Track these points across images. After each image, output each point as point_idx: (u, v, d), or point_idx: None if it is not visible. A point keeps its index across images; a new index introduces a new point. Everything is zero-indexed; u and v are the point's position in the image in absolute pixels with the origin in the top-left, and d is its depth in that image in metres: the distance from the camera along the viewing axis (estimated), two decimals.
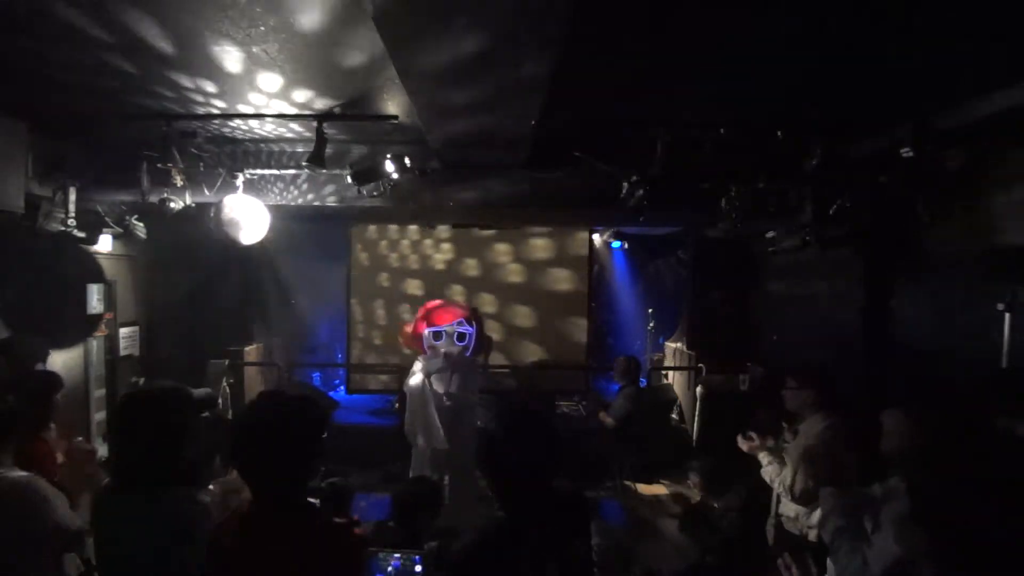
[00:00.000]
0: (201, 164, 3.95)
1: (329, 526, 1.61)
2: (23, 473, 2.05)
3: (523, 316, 7.04)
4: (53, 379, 2.82)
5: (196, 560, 1.59)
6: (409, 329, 4.45)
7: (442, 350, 4.13)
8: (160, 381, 1.83)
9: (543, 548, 1.61)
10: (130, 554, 1.71)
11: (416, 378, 4.15)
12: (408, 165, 3.78)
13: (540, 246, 7.03)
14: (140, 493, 1.70)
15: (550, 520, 1.65)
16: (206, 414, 1.94)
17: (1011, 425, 2.14)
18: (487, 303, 6.91)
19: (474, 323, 4.32)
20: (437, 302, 4.47)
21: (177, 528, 1.69)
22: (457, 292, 6.96)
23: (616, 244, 7.78)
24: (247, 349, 6.09)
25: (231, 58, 2.64)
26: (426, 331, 4.22)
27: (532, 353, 7.01)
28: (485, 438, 1.68)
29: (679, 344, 6.76)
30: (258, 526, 1.53)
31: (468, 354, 4.28)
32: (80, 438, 2.92)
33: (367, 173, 3.81)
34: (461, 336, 4.24)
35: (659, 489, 5.49)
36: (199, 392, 1.91)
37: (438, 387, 4.06)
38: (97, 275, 4.87)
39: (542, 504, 1.64)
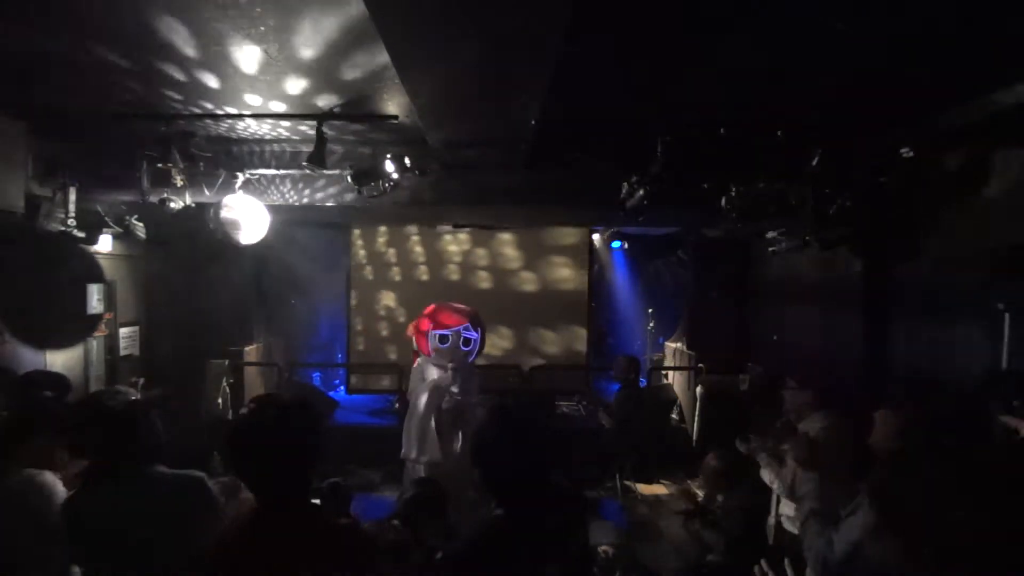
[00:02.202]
0: (201, 164, 3.94)
1: (335, 527, 1.60)
2: (45, 472, 2.11)
3: (523, 316, 7.04)
4: (62, 382, 2.85)
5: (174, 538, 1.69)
6: (414, 327, 4.40)
7: (448, 363, 4.05)
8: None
9: (543, 546, 1.60)
10: (110, 537, 1.79)
11: (424, 390, 4.12)
12: (408, 165, 3.78)
13: (539, 246, 7.03)
14: (111, 478, 1.81)
15: (549, 517, 1.64)
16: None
17: (1011, 425, 2.15)
18: (487, 303, 6.89)
19: (479, 328, 4.25)
20: (442, 304, 4.36)
21: (147, 504, 1.79)
22: (457, 292, 6.95)
23: (616, 244, 7.77)
24: (247, 349, 6.09)
25: (231, 58, 2.65)
26: (432, 332, 4.18)
27: (532, 353, 7.01)
28: (477, 435, 1.68)
29: (679, 344, 6.76)
30: (263, 529, 1.52)
31: (471, 359, 4.23)
32: None
33: (367, 173, 3.81)
34: (467, 341, 4.17)
35: (659, 489, 5.48)
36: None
37: (444, 395, 4.02)
38: (97, 275, 4.87)
39: (539, 500, 1.63)
